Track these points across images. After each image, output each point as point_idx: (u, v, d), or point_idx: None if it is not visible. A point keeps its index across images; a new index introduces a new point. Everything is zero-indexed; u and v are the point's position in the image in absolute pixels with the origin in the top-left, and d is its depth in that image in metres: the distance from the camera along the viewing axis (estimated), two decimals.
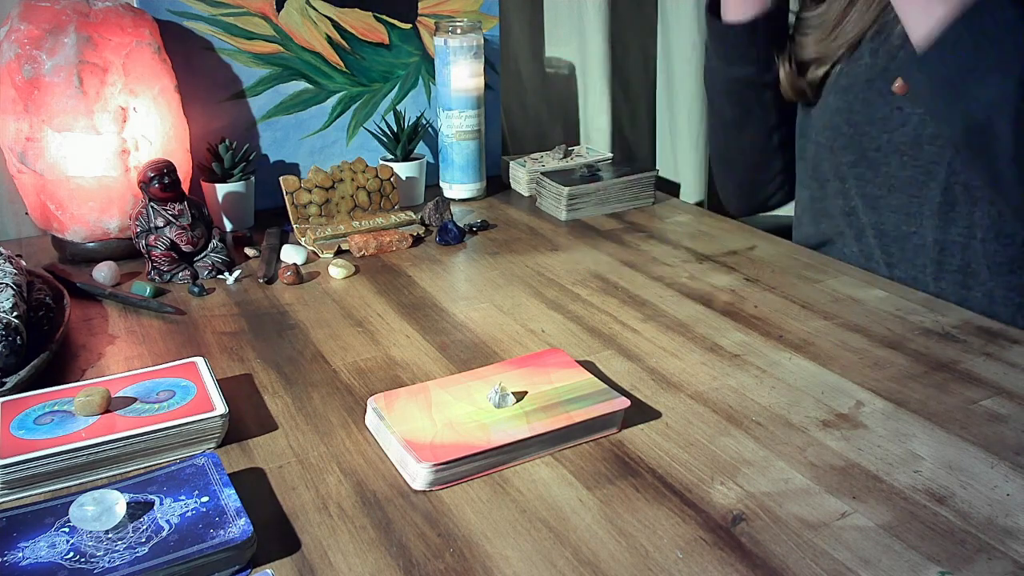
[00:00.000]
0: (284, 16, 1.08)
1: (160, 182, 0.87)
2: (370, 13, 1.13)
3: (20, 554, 0.47)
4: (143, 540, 0.48)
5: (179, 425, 0.57)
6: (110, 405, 0.60)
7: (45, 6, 0.88)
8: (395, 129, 1.13)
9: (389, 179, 1.04)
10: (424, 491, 0.54)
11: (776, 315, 0.79)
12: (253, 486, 0.55)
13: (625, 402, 0.61)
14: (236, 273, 0.90)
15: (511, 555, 0.49)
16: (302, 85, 1.11)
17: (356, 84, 1.15)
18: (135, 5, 0.98)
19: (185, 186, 0.96)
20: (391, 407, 0.60)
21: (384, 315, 0.81)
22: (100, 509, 0.49)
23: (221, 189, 1.02)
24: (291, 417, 0.64)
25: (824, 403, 0.64)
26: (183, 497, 0.52)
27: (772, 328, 0.76)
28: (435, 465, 0.54)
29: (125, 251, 0.93)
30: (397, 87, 1.17)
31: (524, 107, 1.38)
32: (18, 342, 0.67)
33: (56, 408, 0.60)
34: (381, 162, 1.11)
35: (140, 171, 0.88)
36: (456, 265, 0.94)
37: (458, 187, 1.15)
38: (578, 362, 0.67)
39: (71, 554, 0.47)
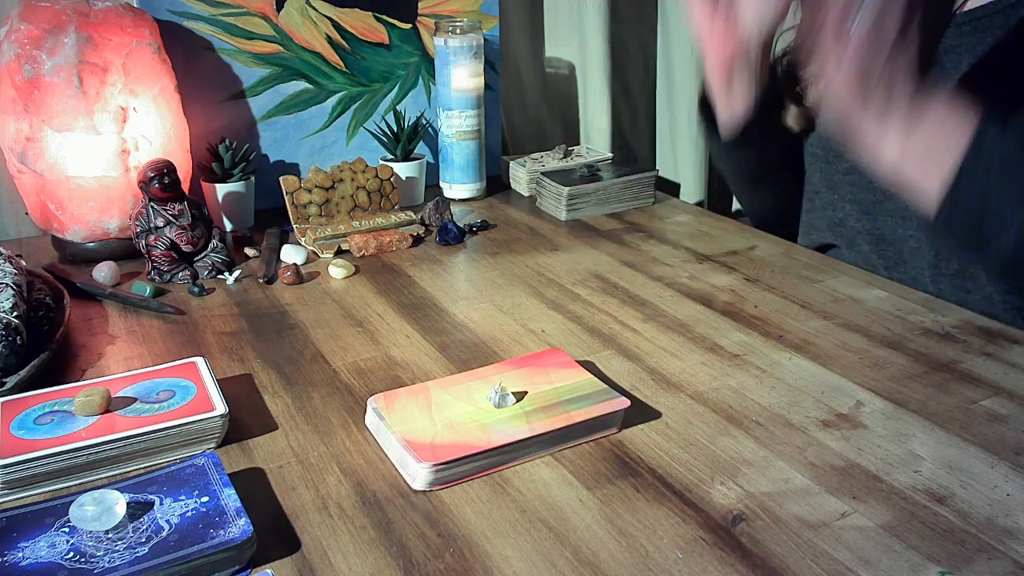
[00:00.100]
0: (284, 16, 1.08)
1: (160, 182, 0.87)
2: (370, 13, 1.13)
3: (20, 554, 0.47)
4: (143, 540, 0.48)
5: (179, 425, 0.57)
6: (110, 405, 0.60)
7: (45, 6, 0.88)
8: (395, 129, 1.13)
9: (389, 179, 1.04)
10: (424, 491, 0.54)
11: (776, 315, 0.79)
12: (253, 486, 0.55)
13: (625, 402, 0.61)
14: (236, 273, 0.90)
15: (511, 555, 0.49)
16: (302, 85, 1.11)
17: (356, 84, 1.15)
18: (135, 5, 0.98)
19: (185, 186, 0.96)
20: (391, 407, 0.60)
21: (384, 315, 0.81)
22: (100, 509, 0.49)
23: (221, 189, 1.02)
24: (291, 417, 0.64)
25: (824, 403, 0.64)
26: (183, 497, 0.52)
27: (772, 328, 0.76)
28: (435, 465, 0.54)
29: (125, 251, 0.93)
30: (397, 87, 1.17)
31: (524, 107, 1.38)
32: (18, 342, 0.67)
33: (56, 408, 0.60)
34: (381, 162, 1.11)
35: (140, 171, 0.88)
36: (456, 265, 0.94)
37: (458, 187, 1.15)
38: (578, 362, 0.67)
39: (71, 554, 0.47)
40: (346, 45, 1.13)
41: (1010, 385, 0.65)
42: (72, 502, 0.49)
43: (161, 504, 0.51)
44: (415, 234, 1.00)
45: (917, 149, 0.64)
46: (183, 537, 0.48)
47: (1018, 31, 0.74)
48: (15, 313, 0.68)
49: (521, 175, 1.19)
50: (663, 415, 0.63)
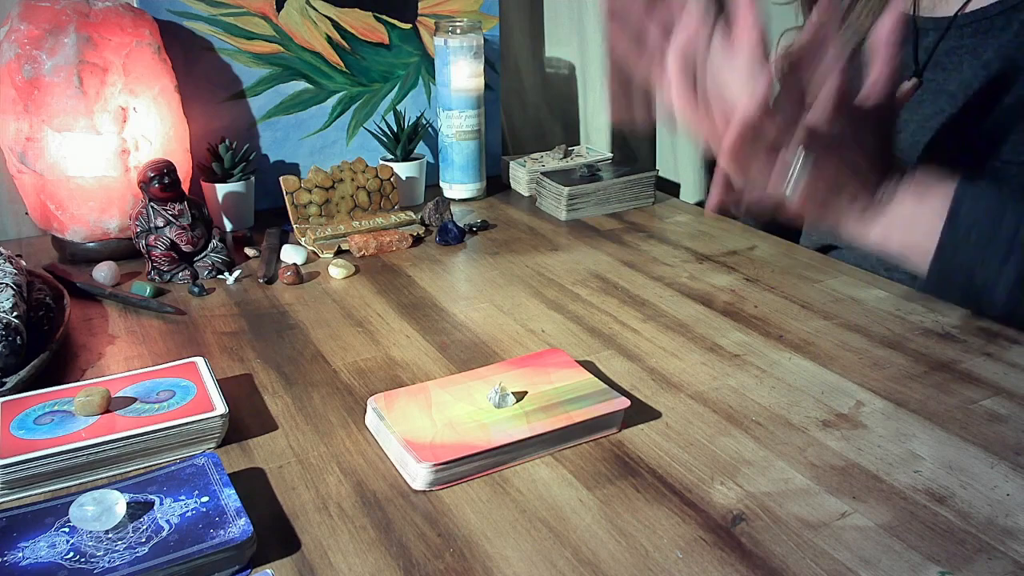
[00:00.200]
0: (284, 16, 1.08)
1: (160, 182, 0.87)
2: (370, 13, 1.13)
3: (20, 554, 0.47)
4: (143, 540, 0.48)
5: (179, 425, 0.57)
6: (110, 405, 0.60)
7: (45, 6, 0.88)
8: (395, 129, 1.13)
9: (389, 179, 1.04)
10: (424, 491, 0.54)
11: (776, 315, 0.79)
12: (253, 486, 0.55)
13: (625, 402, 0.61)
14: (236, 273, 0.90)
15: (511, 555, 0.49)
16: (302, 85, 1.11)
17: (356, 84, 1.15)
18: (135, 5, 0.98)
19: (185, 186, 0.96)
20: (391, 407, 0.60)
21: (384, 315, 0.81)
22: (100, 509, 0.49)
23: (221, 189, 1.02)
24: (291, 417, 0.64)
25: (824, 403, 0.64)
26: (183, 497, 0.52)
27: (772, 328, 0.76)
28: (435, 465, 0.54)
29: (125, 251, 0.93)
30: (397, 87, 1.17)
31: (524, 107, 1.38)
32: (18, 342, 0.67)
33: (56, 408, 0.60)
34: (381, 162, 1.11)
35: (140, 171, 0.88)
36: (456, 265, 0.94)
37: (458, 187, 1.15)
38: (578, 362, 0.67)
39: (71, 554, 0.47)
40: (346, 45, 1.13)
41: (1010, 385, 0.65)
42: (72, 502, 0.49)
43: (161, 504, 0.51)
44: (415, 234, 1.00)
45: (897, 230, 0.67)
46: (183, 537, 0.48)
47: (1018, 32, 0.74)
48: (15, 313, 0.68)
49: (521, 175, 1.19)
50: (663, 415, 0.63)
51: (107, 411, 0.59)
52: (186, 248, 0.89)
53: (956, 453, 0.57)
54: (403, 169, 1.11)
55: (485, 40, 1.14)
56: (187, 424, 0.58)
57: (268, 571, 0.48)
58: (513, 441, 0.56)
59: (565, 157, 1.22)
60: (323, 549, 0.49)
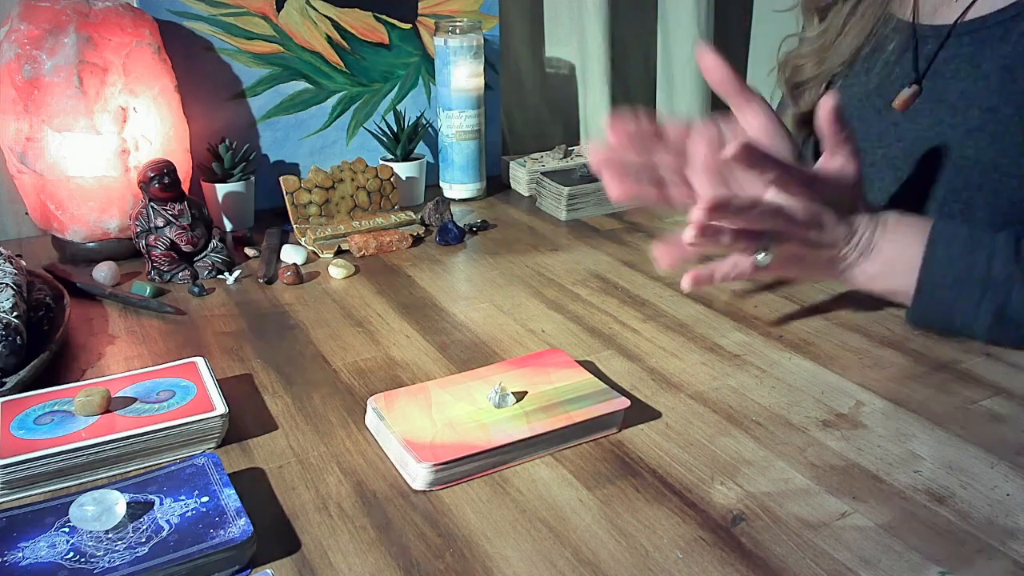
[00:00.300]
0: (284, 16, 1.08)
1: (160, 182, 0.87)
2: (370, 13, 1.13)
3: (20, 554, 0.47)
4: (143, 540, 0.48)
5: (179, 425, 0.57)
6: (110, 405, 0.60)
7: (45, 6, 0.88)
8: (395, 129, 1.13)
9: (389, 179, 1.04)
10: (424, 491, 0.54)
11: (776, 315, 0.79)
12: (253, 486, 0.55)
13: (625, 402, 0.61)
14: (236, 273, 0.90)
15: (511, 555, 0.49)
16: (302, 85, 1.11)
17: (356, 84, 1.15)
18: (135, 5, 0.98)
19: (185, 186, 0.96)
20: (391, 407, 0.60)
21: (384, 315, 0.81)
22: (100, 509, 0.49)
23: (221, 189, 1.02)
24: (291, 417, 0.64)
25: (824, 403, 0.64)
26: (183, 497, 0.52)
27: (772, 328, 0.76)
28: (435, 465, 0.54)
29: (125, 251, 0.93)
30: (397, 87, 1.17)
31: (524, 107, 1.38)
32: (18, 342, 0.67)
33: (56, 408, 0.60)
34: (381, 162, 1.11)
35: (140, 171, 0.88)
36: (456, 265, 0.94)
37: (458, 187, 1.15)
38: (578, 362, 0.67)
39: (71, 554, 0.47)
40: (346, 45, 1.13)
41: (1010, 385, 0.65)
42: (72, 502, 0.49)
43: (161, 504, 0.51)
44: (415, 234, 1.00)
45: (879, 273, 0.70)
46: (183, 537, 0.48)
47: (1019, 41, 0.74)
48: (15, 313, 0.68)
49: (521, 175, 1.19)
50: (663, 415, 0.63)
51: (107, 411, 0.59)
52: (186, 248, 0.89)
53: (956, 453, 0.57)
54: (403, 169, 1.11)
55: (485, 40, 1.14)
56: (187, 424, 0.58)
57: (268, 571, 0.48)
58: (513, 441, 0.56)
59: (565, 157, 1.22)
60: (323, 549, 0.49)
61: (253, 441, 0.60)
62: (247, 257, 0.95)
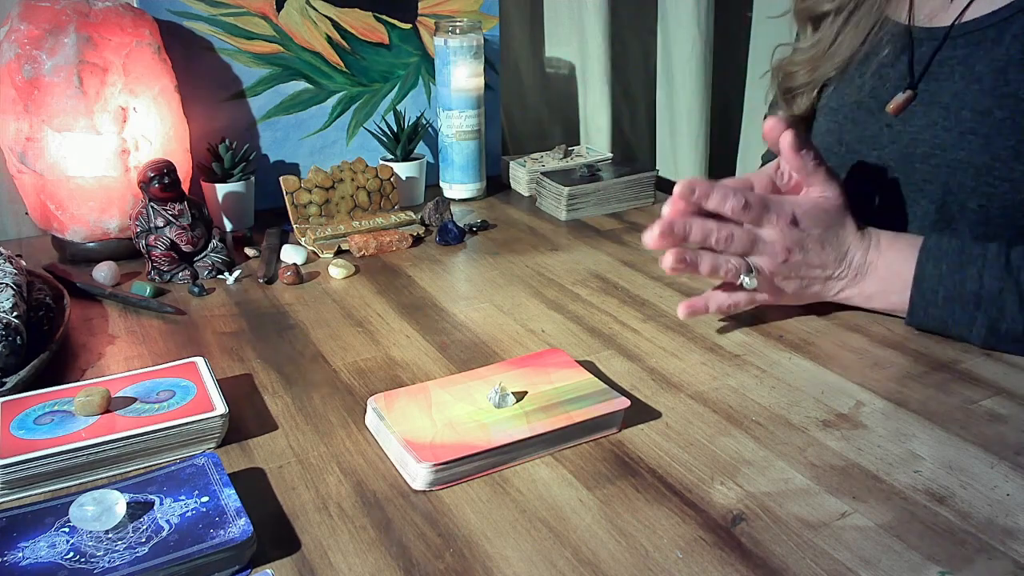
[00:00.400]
0: (284, 16, 1.08)
1: (160, 182, 0.87)
2: (370, 13, 1.13)
3: (20, 554, 0.47)
4: (143, 540, 0.48)
5: (179, 425, 0.57)
6: (110, 405, 0.60)
7: (45, 6, 0.88)
8: (395, 129, 1.13)
9: (389, 179, 1.04)
10: (424, 491, 0.54)
11: (776, 315, 0.79)
12: (253, 486, 0.55)
13: (625, 402, 0.61)
14: (236, 273, 0.90)
15: (511, 555, 0.49)
16: (302, 85, 1.11)
17: (356, 84, 1.15)
18: (135, 5, 0.98)
19: (185, 186, 0.96)
20: (391, 407, 0.60)
21: (384, 315, 0.81)
22: (100, 509, 0.49)
23: (221, 189, 1.02)
24: (291, 417, 0.64)
25: (824, 403, 0.64)
26: (183, 497, 0.52)
27: (772, 328, 0.76)
28: (435, 465, 0.54)
29: (125, 251, 0.93)
30: (397, 87, 1.17)
31: (524, 107, 1.38)
32: (18, 342, 0.67)
33: (56, 408, 0.60)
34: (381, 162, 1.11)
35: (140, 171, 0.88)
36: (456, 265, 0.94)
37: (458, 187, 1.15)
38: (578, 362, 0.67)
39: (71, 554, 0.47)
40: (346, 45, 1.13)
41: (1010, 385, 0.65)
42: (72, 502, 0.49)
43: (161, 504, 0.51)
44: (415, 234, 1.00)
45: (876, 293, 0.74)
46: (183, 537, 0.48)
47: (1012, 44, 0.73)
48: (15, 313, 0.68)
49: (521, 175, 1.19)
50: (663, 415, 0.63)
51: (107, 411, 0.59)
52: (186, 248, 0.89)
53: (956, 453, 0.57)
54: (403, 169, 1.11)
55: (485, 40, 1.14)
56: (187, 424, 0.58)
57: (268, 571, 0.48)
58: (513, 441, 0.56)
59: (565, 157, 1.22)
60: (323, 549, 0.49)
61: (253, 441, 0.60)
62: (247, 257, 0.95)
